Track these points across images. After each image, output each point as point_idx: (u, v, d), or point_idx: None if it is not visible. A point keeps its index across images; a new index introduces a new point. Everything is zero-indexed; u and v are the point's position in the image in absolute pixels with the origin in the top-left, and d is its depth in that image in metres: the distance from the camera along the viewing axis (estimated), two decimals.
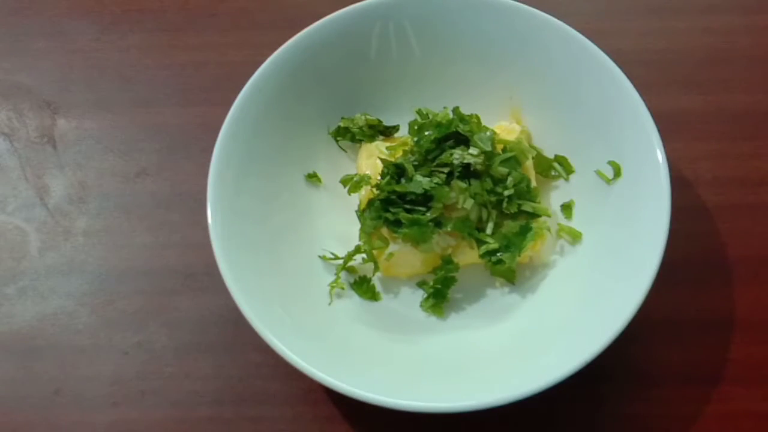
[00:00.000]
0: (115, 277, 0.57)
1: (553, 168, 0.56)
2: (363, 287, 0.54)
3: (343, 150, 0.58)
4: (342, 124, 0.57)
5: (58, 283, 0.58)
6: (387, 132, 0.58)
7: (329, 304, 0.53)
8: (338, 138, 0.58)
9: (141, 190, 0.60)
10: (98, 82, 0.64)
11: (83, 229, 0.59)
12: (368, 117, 0.57)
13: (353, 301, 0.54)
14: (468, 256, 0.53)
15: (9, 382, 0.55)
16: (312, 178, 0.57)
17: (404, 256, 0.53)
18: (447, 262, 0.54)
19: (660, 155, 0.49)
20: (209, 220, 0.49)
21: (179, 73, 0.64)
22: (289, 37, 0.54)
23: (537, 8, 0.54)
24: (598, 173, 0.53)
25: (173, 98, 0.63)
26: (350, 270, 0.54)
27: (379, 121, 0.57)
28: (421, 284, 0.54)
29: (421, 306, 0.53)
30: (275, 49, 0.53)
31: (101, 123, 0.63)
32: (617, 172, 0.52)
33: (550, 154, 0.56)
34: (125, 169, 0.61)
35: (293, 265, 0.53)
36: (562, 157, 0.56)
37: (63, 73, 0.65)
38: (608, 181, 0.52)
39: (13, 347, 0.56)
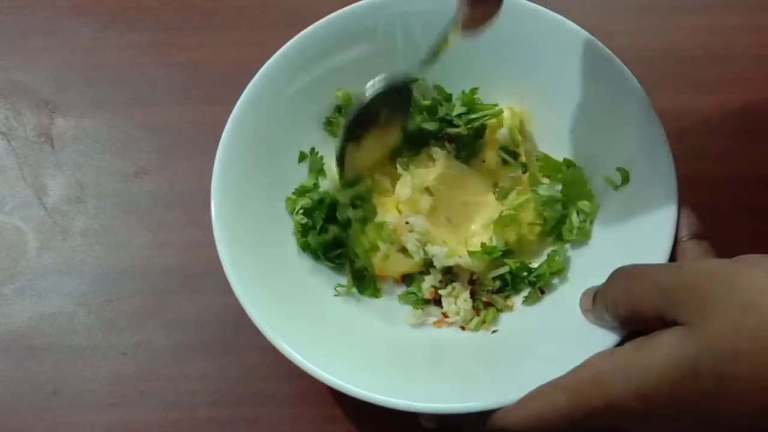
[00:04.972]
0: (113, 277, 0.57)
1: (561, 171, 0.55)
2: (364, 282, 0.53)
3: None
4: (332, 118, 0.57)
5: (56, 283, 0.57)
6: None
7: (333, 297, 0.52)
8: (331, 133, 0.57)
9: (139, 190, 0.60)
10: (96, 80, 0.64)
11: (81, 229, 0.59)
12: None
13: (356, 300, 0.53)
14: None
15: (6, 383, 0.55)
16: (319, 173, 0.56)
17: (397, 257, 0.53)
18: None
19: (670, 165, 0.48)
20: (213, 218, 0.49)
21: (178, 72, 0.64)
22: (289, 36, 0.53)
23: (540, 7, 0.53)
24: (606, 179, 0.52)
25: (172, 97, 0.63)
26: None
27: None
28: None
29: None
30: (274, 48, 0.53)
31: (99, 122, 0.62)
32: (625, 179, 0.51)
33: (560, 156, 0.55)
34: (123, 169, 0.61)
35: (296, 263, 0.53)
36: (569, 161, 0.55)
37: (61, 72, 0.64)
38: (616, 188, 0.52)
39: (11, 348, 0.56)
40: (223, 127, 0.51)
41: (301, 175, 0.56)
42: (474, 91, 0.56)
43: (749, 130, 0.60)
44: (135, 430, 0.53)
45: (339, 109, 0.56)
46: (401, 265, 0.54)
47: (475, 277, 0.53)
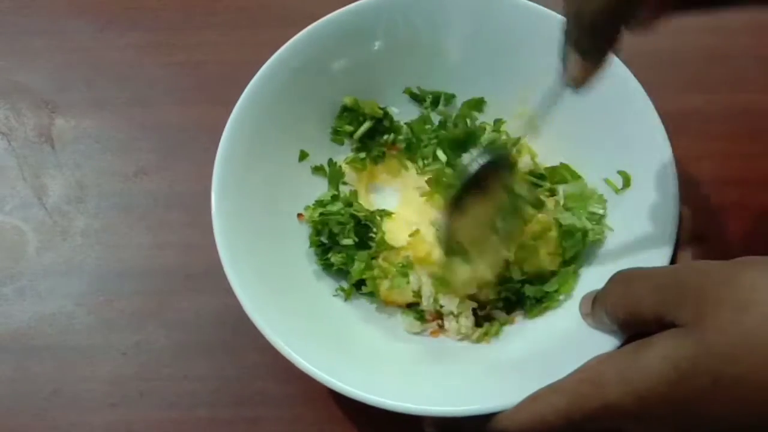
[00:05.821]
0: (113, 277, 0.57)
1: (567, 180, 0.55)
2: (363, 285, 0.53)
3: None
4: (337, 126, 0.57)
5: (56, 283, 0.57)
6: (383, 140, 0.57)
7: (333, 297, 0.53)
8: (337, 142, 0.57)
9: (139, 190, 0.60)
10: (96, 81, 0.64)
11: (81, 229, 0.59)
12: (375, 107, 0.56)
13: (356, 302, 0.53)
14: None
15: (7, 383, 0.55)
16: (319, 171, 0.56)
17: (404, 289, 0.52)
18: None
19: (670, 165, 0.48)
20: (213, 218, 0.49)
21: (178, 72, 0.64)
22: (289, 36, 0.53)
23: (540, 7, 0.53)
24: (607, 182, 0.52)
25: (172, 97, 0.63)
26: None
27: (381, 109, 0.57)
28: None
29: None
30: (274, 48, 0.53)
31: (99, 122, 0.62)
32: (626, 182, 0.51)
33: (558, 160, 0.55)
34: (123, 169, 0.61)
35: (296, 264, 0.53)
36: (565, 165, 0.55)
37: (61, 72, 0.64)
38: (617, 191, 0.52)
39: (11, 347, 0.56)
40: (223, 127, 0.51)
41: (300, 175, 0.56)
42: (480, 100, 0.56)
43: (749, 130, 0.60)
44: (135, 430, 0.53)
45: (344, 111, 0.56)
46: (407, 295, 0.53)
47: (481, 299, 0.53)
